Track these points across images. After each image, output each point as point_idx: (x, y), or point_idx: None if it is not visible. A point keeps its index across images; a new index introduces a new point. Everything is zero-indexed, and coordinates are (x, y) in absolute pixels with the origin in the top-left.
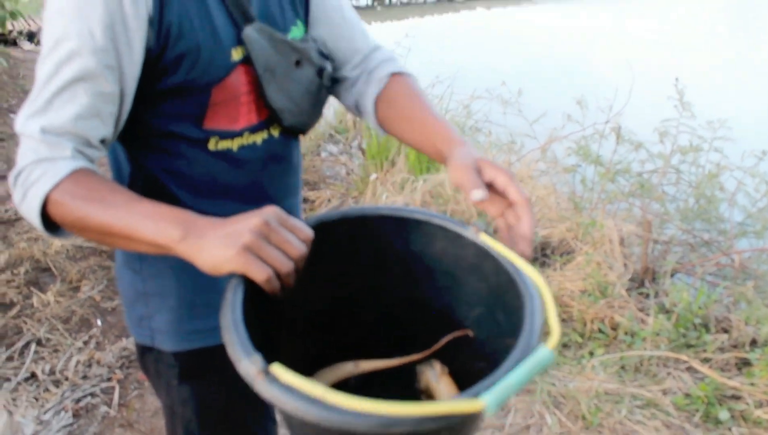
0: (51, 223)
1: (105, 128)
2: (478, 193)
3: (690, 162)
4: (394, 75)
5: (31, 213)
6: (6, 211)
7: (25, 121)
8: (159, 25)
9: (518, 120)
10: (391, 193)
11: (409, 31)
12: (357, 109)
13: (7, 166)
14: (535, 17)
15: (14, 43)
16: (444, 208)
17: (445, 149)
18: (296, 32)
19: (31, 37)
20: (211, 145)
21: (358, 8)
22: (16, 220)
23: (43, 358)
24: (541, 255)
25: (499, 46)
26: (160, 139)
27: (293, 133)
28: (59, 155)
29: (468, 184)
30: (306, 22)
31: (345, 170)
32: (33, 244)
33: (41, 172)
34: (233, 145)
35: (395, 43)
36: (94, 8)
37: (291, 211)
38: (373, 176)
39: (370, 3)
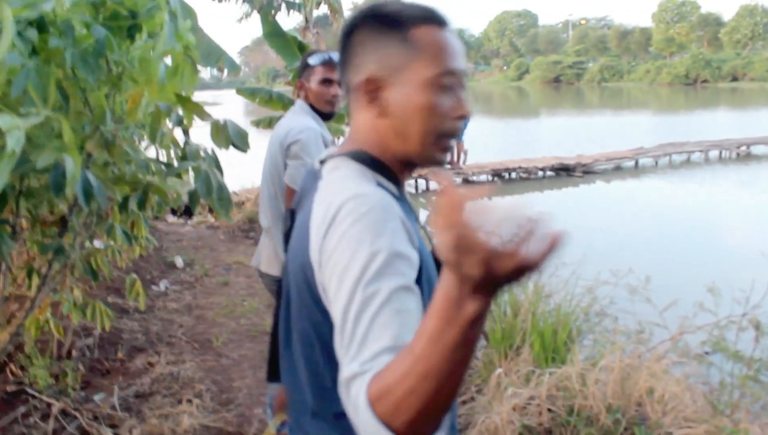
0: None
1: None
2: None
3: None
4: None
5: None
6: (141, 383)
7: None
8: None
9: (645, 305)
10: (515, 385)
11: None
12: None
13: (146, 336)
14: (657, 190)
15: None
16: (571, 402)
17: None
18: None
19: (174, 211)
20: None
21: (478, 183)
22: (150, 394)
23: None
24: None
25: (622, 221)
26: None
27: None
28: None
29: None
30: None
31: None
32: (164, 421)
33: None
34: None
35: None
36: (395, 229)
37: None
38: (498, 370)
39: (490, 178)
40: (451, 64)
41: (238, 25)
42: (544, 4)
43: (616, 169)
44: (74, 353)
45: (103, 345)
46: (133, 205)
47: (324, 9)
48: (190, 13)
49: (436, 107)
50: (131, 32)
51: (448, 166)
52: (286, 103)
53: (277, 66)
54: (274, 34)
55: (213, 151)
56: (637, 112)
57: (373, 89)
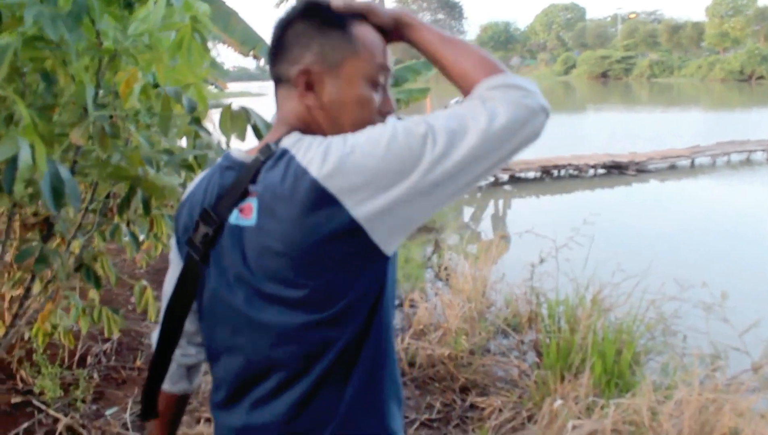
0: None
1: None
2: None
3: None
4: None
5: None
6: None
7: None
8: None
9: (719, 324)
10: (574, 415)
11: (578, 204)
12: None
13: None
14: (715, 191)
15: None
16: None
17: None
18: None
19: None
20: None
21: (526, 180)
22: None
23: None
24: None
25: (681, 224)
26: None
27: None
28: None
29: None
30: None
31: (517, 371)
32: None
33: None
34: None
35: (572, 229)
36: None
37: None
38: (558, 402)
39: (538, 175)
40: (385, 61)
41: (278, 11)
42: None
43: (671, 168)
44: (89, 359)
45: (121, 350)
46: (137, 203)
47: None
48: None
49: (369, 101)
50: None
51: None
52: None
53: None
54: None
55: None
56: (689, 109)
57: (308, 81)
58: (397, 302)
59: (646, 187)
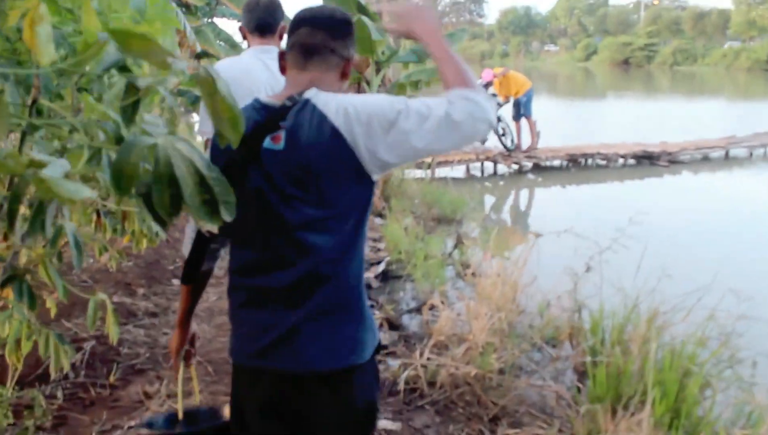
0: None
1: None
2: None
3: None
4: None
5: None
6: (129, 426)
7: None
8: None
9: None
10: None
11: (607, 196)
12: None
13: (151, 350)
14: (754, 185)
15: None
16: None
17: None
18: None
19: None
20: None
21: (551, 169)
22: None
23: None
24: None
25: (721, 221)
26: None
27: None
28: None
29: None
30: None
31: (554, 397)
32: None
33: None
34: None
35: (617, 230)
36: None
37: None
38: None
39: (564, 164)
40: None
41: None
42: None
43: (704, 159)
44: (53, 374)
45: (93, 363)
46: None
47: None
48: None
49: None
50: None
51: (523, 150)
52: None
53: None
54: None
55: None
56: (715, 98)
57: (346, 69)
58: (414, 305)
59: (678, 179)
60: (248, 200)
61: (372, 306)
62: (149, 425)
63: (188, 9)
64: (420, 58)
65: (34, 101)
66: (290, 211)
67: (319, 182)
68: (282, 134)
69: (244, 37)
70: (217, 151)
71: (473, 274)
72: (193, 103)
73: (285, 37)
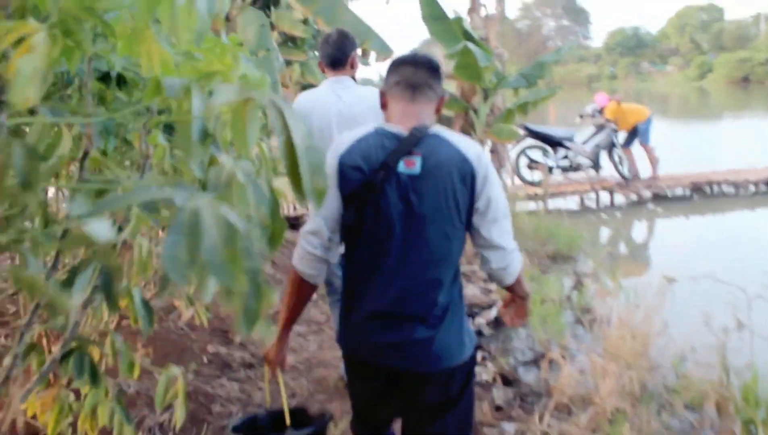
0: None
1: None
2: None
3: None
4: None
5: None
6: None
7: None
8: None
9: None
10: None
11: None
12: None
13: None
14: None
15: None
16: None
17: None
18: None
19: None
20: None
21: (672, 198)
22: None
23: None
24: None
25: None
26: None
27: None
28: None
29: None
30: None
31: None
32: None
33: None
34: None
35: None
36: None
37: None
38: None
39: (687, 193)
40: None
41: (410, 25)
42: None
43: None
44: None
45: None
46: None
47: None
48: None
49: None
50: None
51: (642, 179)
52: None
53: (444, 68)
54: (434, 16)
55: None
56: None
57: (440, 104)
58: (530, 356)
59: None
60: (382, 215)
61: (484, 358)
62: (235, 430)
63: (294, 43)
64: (529, 82)
65: (86, 154)
66: (419, 227)
67: (449, 203)
68: (417, 160)
69: (323, 71)
70: (352, 171)
71: (594, 319)
72: None
73: (357, 65)
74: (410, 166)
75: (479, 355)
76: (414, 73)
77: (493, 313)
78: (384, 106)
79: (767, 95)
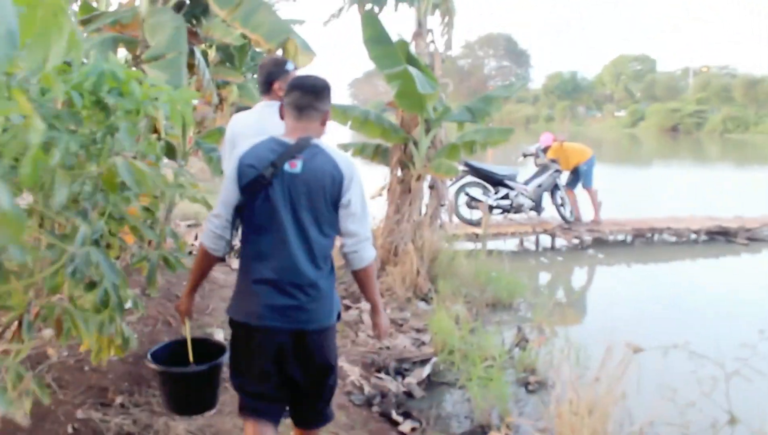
0: None
1: None
2: None
3: None
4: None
5: None
6: None
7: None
8: None
9: None
10: None
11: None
12: None
13: None
14: None
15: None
16: None
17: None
18: None
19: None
20: None
21: (614, 243)
22: None
23: None
24: None
25: None
26: None
27: None
28: None
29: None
30: None
31: None
32: None
33: None
34: None
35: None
36: None
37: None
38: None
39: (629, 239)
40: None
41: (350, 54)
42: (662, 49)
43: None
44: None
45: None
46: None
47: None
48: None
49: None
50: None
51: (584, 223)
52: (386, 129)
53: (385, 99)
54: (376, 39)
55: None
56: None
57: (325, 119)
58: (467, 426)
59: (758, 259)
60: (270, 203)
61: (414, 429)
62: (153, 357)
63: (232, 64)
64: (475, 116)
65: None
66: (297, 214)
67: (321, 196)
68: (298, 162)
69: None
70: (248, 169)
71: (540, 382)
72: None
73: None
74: (293, 166)
75: (409, 426)
76: (300, 97)
77: (426, 371)
78: (282, 117)
79: (695, 145)
